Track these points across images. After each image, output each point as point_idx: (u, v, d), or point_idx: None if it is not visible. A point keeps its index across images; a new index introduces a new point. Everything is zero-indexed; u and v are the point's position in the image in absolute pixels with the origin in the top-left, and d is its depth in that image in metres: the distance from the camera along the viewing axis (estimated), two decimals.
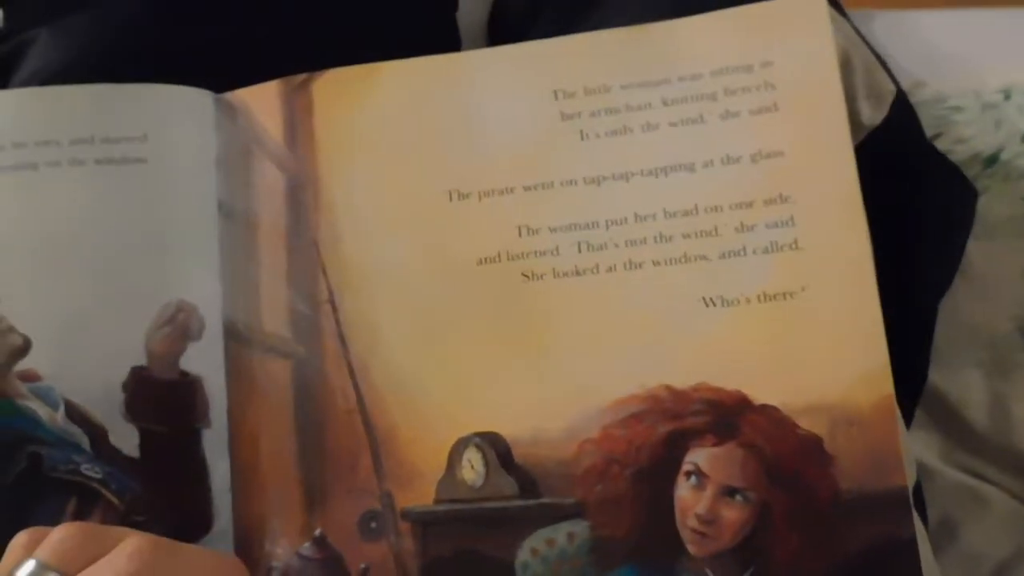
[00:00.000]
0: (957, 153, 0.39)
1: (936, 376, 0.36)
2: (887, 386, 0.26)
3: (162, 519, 0.28)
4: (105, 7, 0.34)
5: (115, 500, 0.28)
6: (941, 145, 0.39)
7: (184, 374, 0.30)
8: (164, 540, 0.23)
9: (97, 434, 0.29)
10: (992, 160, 0.39)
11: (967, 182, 0.36)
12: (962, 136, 0.40)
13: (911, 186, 0.34)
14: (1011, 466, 0.35)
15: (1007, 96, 0.41)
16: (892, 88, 0.35)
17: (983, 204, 0.37)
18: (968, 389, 0.36)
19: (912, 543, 0.25)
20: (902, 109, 0.35)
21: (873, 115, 0.34)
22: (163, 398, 0.29)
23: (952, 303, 0.36)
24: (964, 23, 0.45)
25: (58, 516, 0.28)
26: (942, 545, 0.34)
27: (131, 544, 0.23)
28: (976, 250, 0.37)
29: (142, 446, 0.29)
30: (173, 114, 0.31)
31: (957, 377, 0.36)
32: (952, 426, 0.36)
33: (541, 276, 0.28)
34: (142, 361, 0.29)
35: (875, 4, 0.44)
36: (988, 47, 0.44)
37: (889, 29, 0.44)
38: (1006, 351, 0.36)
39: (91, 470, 0.29)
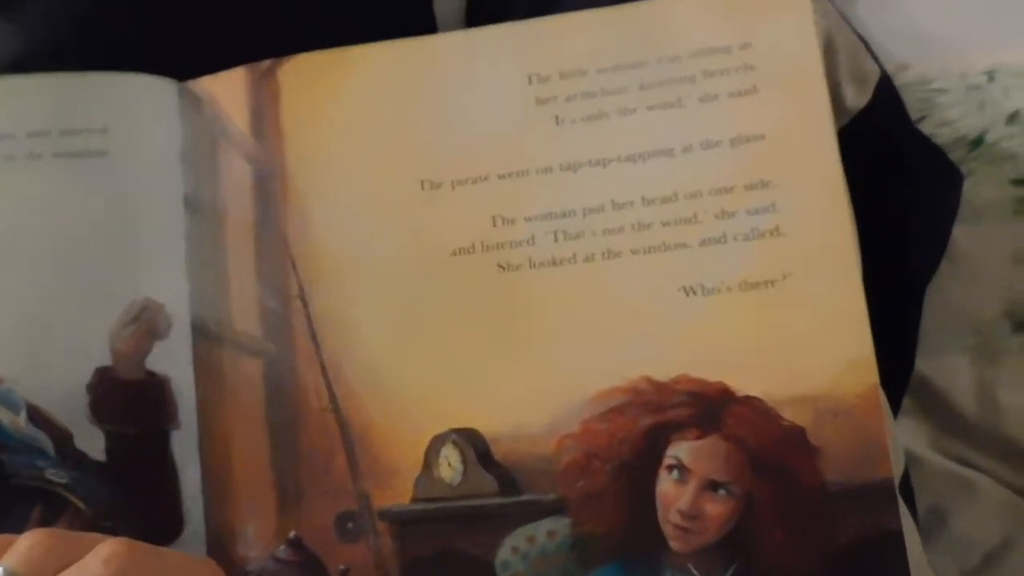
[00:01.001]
0: (941, 136, 0.39)
1: (923, 363, 0.35)
2: (872, 375, 0.25)
3: (131, 524, 0.27)
4: None
5: (82, 506, 0.28)
6: (925, 128, 0.39)
7: (151, 374, 0.29)
8: (140, 544, 0.22)
9: (62, 438, 0.28)
10: (977, 143, 0.38)
11: (952, 165, 0.35)
12: (946, 119, 0.39)
13: (896, 170, 0.34)
14: (999, 452, 0.35)
15: (991, 78, 0.40)
16: (876, 71, 0.34)
17: (968, 187, 0.36)
18: (955, 375, 0.36)
19: (899, 535, 0.24)
20: (886, 92, 0.34)
21: (857, 98, 0.33)
22: (130, 399, 0.28)
23: (938, 288, 0.36)
24: (948, 4, 0.45)
25: (22, 524, 0.27)
26: (931, 533, 0.34)
27: (107, 548, 0.22)
28: (962, 234, 0.36)
29: (109, 449, 0.28)
30: (135, 104, 0.30)
31: (944, 363, 0.36)
32: (939, 413, 0.36)
33: (517, 267, 0.28)
34: (107, 361, 0.28)
35: None
36: (973, 28, 0.43)
37: (872, 9, 0.43)
38: (993, 336, 0.36)
39: (56, 475, 0.28)
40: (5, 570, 0.22)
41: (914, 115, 0.38)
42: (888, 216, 0.31)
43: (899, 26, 0.43)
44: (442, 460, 0.27)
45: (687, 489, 0.25)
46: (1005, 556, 0.34)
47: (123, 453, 0.28)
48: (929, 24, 0.43)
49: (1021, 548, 0.34)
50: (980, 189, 0.37)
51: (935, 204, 0.35)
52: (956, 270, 0.36)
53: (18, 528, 0.26)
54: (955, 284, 0.36)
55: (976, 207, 0.37)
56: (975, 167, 0.38)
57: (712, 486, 0.25)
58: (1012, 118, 0.39)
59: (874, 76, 0.34)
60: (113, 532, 0.25)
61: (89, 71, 0.30)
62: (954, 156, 0.38)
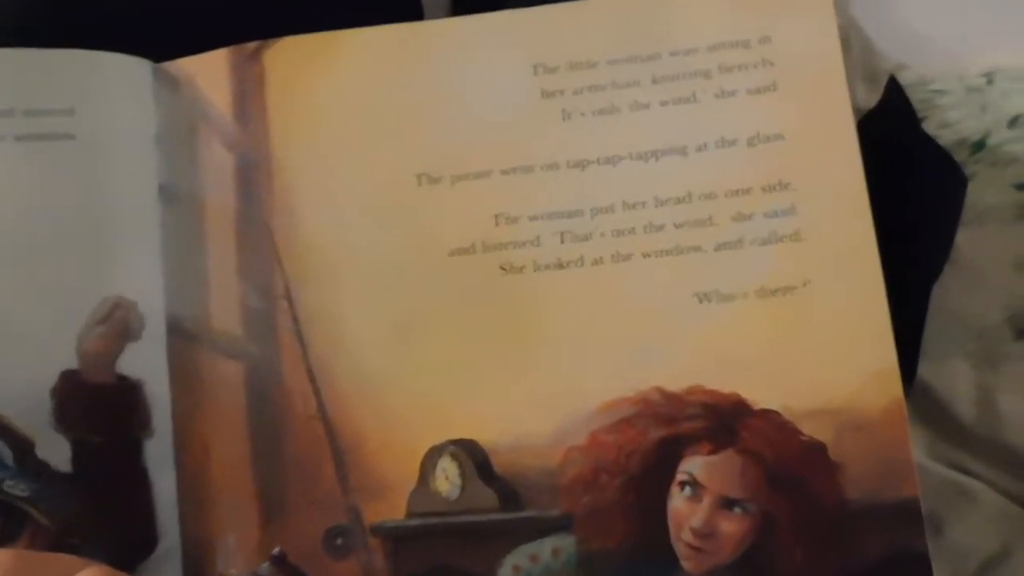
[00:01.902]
0: (943, 138, 0.38)
1: (923, 368, 0.35)
2: (896, 388, 0.24)
3: (100, 540, 0.25)
4: None
5: (45, 521, 0.26)
6: (927, 129, 0.38)
7: (122, 377, 0.27)
8: (117, 573, 0.20)
9: (22, 447, 0.26)
10: (979, 146, 0.38)
11: (958, 168, 0.35)
12: (947, 120, 0.39)
13: (904, 171, 0.33)
14: (998, 460, 0.35)
15: (990, 80, 0.40)
16: (887, 69, 0.33)
17: (971, 191, 0.36)
18: (955, 381, 0.35)
19: (924, 557, 0.23)
20: (896, 91, 0.33)
21: (869, 97, 0.32)
22: (98, 404, 0.26)
23: (940, 292, 0.35)
24: (946, 5, 0.44)
25: None
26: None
27: None
28: (964, 238, 0.36)
29: (75, 459, 0.26)
30: (106, 85, 0.28)
31: (944, 369, 0.35)
32: (938, 419, 0.35)
33: (521, 269, 0.26)
34: (74, 364, 0.26)
35: None
36: (970, 30, 0.43)
37: (868, 9, 0.42)
38: (995, 342, 0.35)
39: (16, 487, 0.26)
40: None
41: None
42: (895, 217, 0.31)
43: (896, 25, 0.42)
44: (439, 473, 0.26)
45: (701, 506, 0.24)
46: (1002, 565, 0.33)
47: (90, 463, 0.26)
48: (926, 25, 0.43)
49: (1018, 557, 0.33)
50: (982, 193, 0.37)
51: (942, 206, 0.34)
52: (958, 274, 0.36)
53: None
54: (957, 288, 0.36)
55: (978, 211, 0.37)
56: (977, 170, 0.38)
57: (727, 503, 0.24)
58: (1014, 122, 0.38)
59: (884, 75, 0.33)
60: (80, 549, 0.24)
61: (56, 48, 0.28)
62: (957, 159, 0.37)
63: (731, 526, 0.24)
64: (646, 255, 0.26)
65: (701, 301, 0.26)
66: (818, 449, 0.24)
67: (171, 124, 0.28)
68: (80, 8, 0.31)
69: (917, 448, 0.35)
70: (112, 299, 0.27)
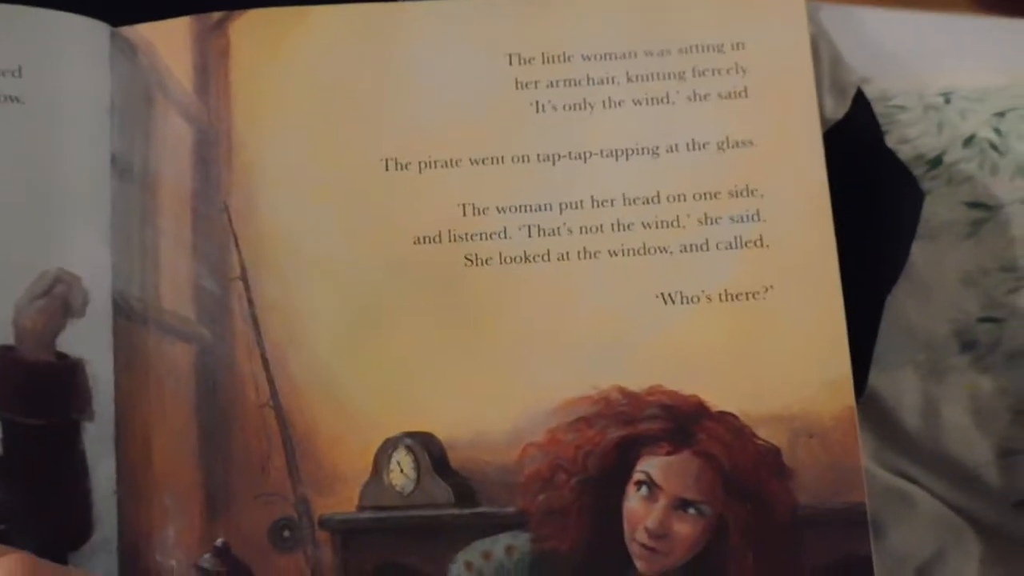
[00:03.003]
0: (902, 152, 0.39)
1: (874, 376, 0.35)
2: (848, 396, 0.25)
3: (31, 528, 0.24)
4: None
5: None
6: (887, 143, 0.39)
7: (62, 356, 0.25)
8: (43, 562, 0.19)
9: None
10: (936, 163, 0.39)
11: (916, 183, 0.36)
12: (906, 136, 0.40)
13: (866, 183, 0.34)
14: (939, 468, 0.36)
15: (947, 100, 0.41)
16: (854, 82, 0.34)
17: (926, 206, 0.37)
18: (902, 390, 0.36)
19: (868, 561, 0.24)
20: (863, 105, 0.34)
21: (836, 108, 0.33)
22: (35, 384, 0.25)
23: (893, 303, 0.36)
24: (908, 24, 0.46)
25: None
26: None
27: (2, 567, 0.19)
28: (918, 252, 0.37)
29: (6, 441, 0.25)
30: (58, 46, 0.27)
31: (892, 378, 0.36)
32: (885, 426, 0.36)
33: (486, 260, 0.26)
34: (10, 340, 0.25)
35: None
36: (930, 49, 0.44)
37: (835, 22, 0.43)
38: (941, 354, 0.36)
39: None
40: None
41: None
42: (854, 227, 0.31)
43: (861, 40, 0.43)
44: (393, 466, 0.25)
45: (656, 507, 0.24)
46: (936, 569, 0.35)
47: (24, 446, 0.25)
48: (890, 41, 0.44)
49: (952, 562, 0.35)
50: (936, 208, 0.38)
51: (899, 220, 0.35)
52: (911, 286, 0.37)
53: None
54: (909, 300, 0.37)
55: (932, 226, 0.38)
56: (932, 186, 0.39)
57: (682, 504, 0.25)
58: (968, 141, 0.39)
59: (852, 88, 0.34)
60: (8, 535, 0.22)
61: (4, 3, 0.26)
62: (914, 173, 0.38)
63: (685, 527, 0.24)
64: (613, 253, 0.26)
65: (665, 302, 0.26)
66: (773, 454, 0.25)
67: (127, 93, 0.27)
68: None
69: (864, 453, 0.36)
70: (53, 272, 0.26)
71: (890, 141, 0.39)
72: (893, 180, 0.35)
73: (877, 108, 0.40)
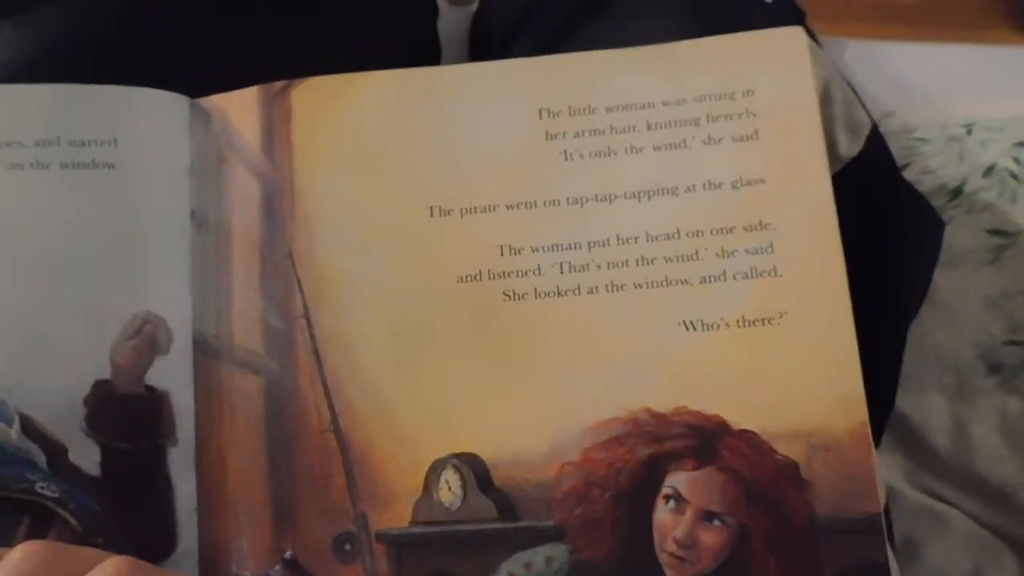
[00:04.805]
0: (924, 183, 0.40)
1: (901, 400, 0.36)
2: (862, 412, 0.26)
3: (122, 541, 0.27)
4: (76, 0, 0.33)
5: (72, 520, 0.27)
6: (909, 175, 0.40)
7: (150, 389, 0.28)
8: (142, 563, 0.22)
9: (55, 451, 0.28)
10: (957, 192, 0.40)
11: (936, 214, 0.37)
12: (928, 167, 0.41)
13: (884, 216, 0.35)
14: (970, 488, 0.36)
15: (969, 131, 0.42)
16: (868, 122, 0.35)
17: (948, 234, 0.38)
18: (932, 413, 0.37)
19: (884, 566, 0.25)
20: (877, 143, 0.36)
21: (850, 147, 0.35)
22: (127, 413, 0.28)
23: (918, 330, 0.37)
24: (930, 56, 0.47)
25: (9, 538, 0.27)
26: (905, 564, 0.35)
27: (110, 566, 0.21)
28: (941, 278, 0.38)
29: (103, 464, 0.28)
30: (145, 118, 0.30)
31: (921, 402, 0.37)
32: (916, 449, 0.37)
33: (523, 296, 0.28)
34: (106, 375, 0.28)
35: (847, 33, 0.45)
36: (952, 81, 0.46)
37: (860, 58, 0.45)
38: (968, 377, 0.37)
39: (47, 489, 0.27)
40: None
41: (898, 162, 0.40)
42: (876, 260, 0.33)
43: (885, 74, 0.45)
44: (442, 484, 0.27)
45: (683, 519, 0.26)
46: None
47: (118, 468, 0.28)
48: (912, 74, 0.45)
49: None
50: (959, 236, 0.39)
51: (919, 250, 0.36)
52: (935, 313, 0.38)
53: (5, 540, 0.26)
54: (934, 326, 0.38)
55: (954, 253, 0.39)
56: (954, 215, 0.40)
57: (708, 516, 0.26)
58: (989, 171, 0.41)
59: (866, 127, 0.35)
60: (104, 548, 0.25)
61: (101, 84, 0.30)
62: (935, 203, 0.39)
63: (711, 537, 0.26)
64: (637, 286, 0.28)
65: (687, 329, 0.27)
66: (791, 467, 0.26)
67: (203, 154, 0.31)
68: (127, 48, 0.34)
69: (895, 475, 0.37)
70: (143, 315, 0.29)
71: (912, 172, 0.41)
72: (912, 211, 0.36)
73: (900, 141, 0.41)
